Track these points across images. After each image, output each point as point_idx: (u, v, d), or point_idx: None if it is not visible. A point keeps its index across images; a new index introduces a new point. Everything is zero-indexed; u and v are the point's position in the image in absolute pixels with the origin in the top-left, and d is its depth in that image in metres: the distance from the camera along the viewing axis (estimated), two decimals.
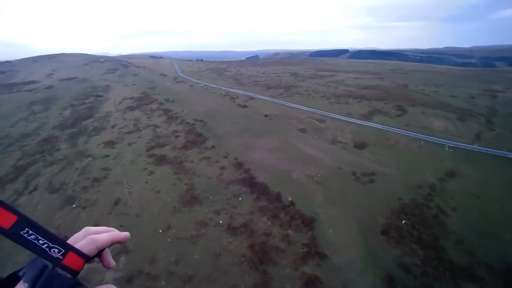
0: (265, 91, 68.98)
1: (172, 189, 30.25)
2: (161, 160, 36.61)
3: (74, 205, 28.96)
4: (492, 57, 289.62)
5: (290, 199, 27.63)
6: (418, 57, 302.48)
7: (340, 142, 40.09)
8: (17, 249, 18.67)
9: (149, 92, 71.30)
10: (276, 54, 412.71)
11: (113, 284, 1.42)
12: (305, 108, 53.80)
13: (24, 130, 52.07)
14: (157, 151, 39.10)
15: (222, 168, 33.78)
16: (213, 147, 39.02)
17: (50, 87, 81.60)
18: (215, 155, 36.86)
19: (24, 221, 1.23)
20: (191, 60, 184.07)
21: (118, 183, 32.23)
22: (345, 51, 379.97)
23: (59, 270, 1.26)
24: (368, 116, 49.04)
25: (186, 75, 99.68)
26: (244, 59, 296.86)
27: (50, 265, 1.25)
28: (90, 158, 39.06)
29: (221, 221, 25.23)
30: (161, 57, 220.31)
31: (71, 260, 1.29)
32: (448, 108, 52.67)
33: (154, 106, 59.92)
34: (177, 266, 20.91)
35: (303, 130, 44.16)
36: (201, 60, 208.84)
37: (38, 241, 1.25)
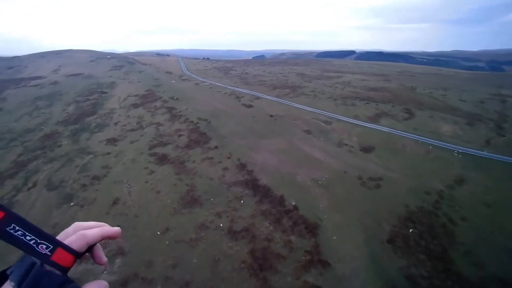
0: (271, 91, 68.09)
1: (173, 190, 29.53)
2: (162, 159, 35.96)
3: (72, 203, 28.44)
4: (500, 61, 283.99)
5: (293, 203, 26.77)
6: (425, 60, 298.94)
7: (346, 145, 39.15)
8: (9, 249, 18.11)
9: (154, 90, 70.78)
10: (282, 54, 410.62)
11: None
12: (311, 109, 52.82)
13: (28, 125, 51.94)
14: (159, 150, 38.44)
15: (225, 169, 32.98)
16: (216, 147, 38.25)
17: (56, 82, 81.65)
18: (218, 155, 36.09)
19: (10, 216, 1.16)
20: (197, 59, 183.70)
21: (118, 182, 31.64)
22: (351, 52, 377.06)
23: (48, 267, 1.19)
24: (375, 119, 47.98)
25: (192, 73, 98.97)
26: (250, 58, 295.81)
27: (38, 262, 1.18)
28: (91, 155, 38.61)
29: (221, 225, 24.46)
30: (168, 55, 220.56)
31: (60, 256, 1.23)
32: (456, 112, 51.35)
33: (158, 103, 59.34)
34: (174, 270, 20.21)
35: (308, 132, 43.24)
36: (208, 58, 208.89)
37: (25, 237, 1.18)
